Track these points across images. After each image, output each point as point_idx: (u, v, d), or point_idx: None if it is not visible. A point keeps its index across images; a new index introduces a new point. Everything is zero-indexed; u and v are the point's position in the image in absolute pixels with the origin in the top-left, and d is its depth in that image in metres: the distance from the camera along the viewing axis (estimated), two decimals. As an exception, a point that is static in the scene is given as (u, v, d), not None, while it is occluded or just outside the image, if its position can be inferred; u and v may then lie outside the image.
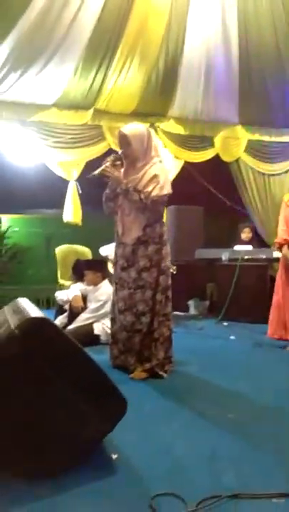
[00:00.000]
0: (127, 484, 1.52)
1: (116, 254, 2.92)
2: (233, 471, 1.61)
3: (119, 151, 2.86)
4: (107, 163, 2.78)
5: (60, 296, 4.14)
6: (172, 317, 2.87)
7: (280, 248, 3.66)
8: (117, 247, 2.91)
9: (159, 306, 2.75)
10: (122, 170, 2.87)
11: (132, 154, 2.78)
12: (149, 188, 2.68)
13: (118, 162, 2.83)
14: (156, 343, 2.74)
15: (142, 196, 2.69)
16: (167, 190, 2.73)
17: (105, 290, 3.83)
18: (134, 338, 2.77)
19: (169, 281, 2.83)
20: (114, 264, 2.94)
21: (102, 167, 2.77)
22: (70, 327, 3.71)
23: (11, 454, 1.48)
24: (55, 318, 4.06)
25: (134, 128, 2.81)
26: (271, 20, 4.91)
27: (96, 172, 2.78)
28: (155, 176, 2.70)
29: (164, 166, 2.84)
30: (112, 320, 2.96)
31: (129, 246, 2.79)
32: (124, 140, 2.77)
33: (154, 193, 2.67)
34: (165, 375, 2.73)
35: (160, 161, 2.81)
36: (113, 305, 2.94)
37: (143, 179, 2.73)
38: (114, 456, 1.69)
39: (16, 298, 2.11)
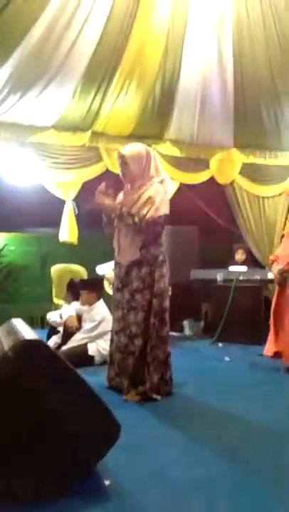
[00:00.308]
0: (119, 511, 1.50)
1: (114, 274, 2.94)
2: (230, 499, 1.59)
3: (119, 172, 2.90)
4: (100, 195, 2.82)
5: (53, 318, 4.12)
6: (169, 339, 2.84)
7: (272, 263, 3.86)
8: (115, 266, 2.94)
9: (152, 329, 2.71)
10: (121, 192, 2.91)
11: (129, 175, 2.82)
12: (144, 211, 2.69)
13: (110, 191, 2.87)
14: (149, 366, 2.71)
15: (136, 219, 2.70)
16: (163, 211, 2.72)
17: (100, 310, 3.83)
18: (127, 360, 2.76)
19: (165, 304, 2.78)
20: (112, 284, 2.95)
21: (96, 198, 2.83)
22: (64, 347, 3.69)
23: (4, 478, 1.46)
24: (48, 339, 4.02)
25: (132, 148, 2.85)
26: (265, 51, 5.08)
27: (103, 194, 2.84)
28: (150, 198, 2.72)
29: (163, 186, 2.81)
30: (111, 340, 2.95)
31: (123, 267, 2.81)
32: (122, 160, 2.81)
33: (148, 215, 2.68)
34: (159, 397, 2.69)
35: (161, 181, 2.80)
36: (112, 325, 2.95)
37: (138, 201, 2.76)
38: (107, 483, 1.66)
39: (11, 317, 2.11)
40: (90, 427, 1.58)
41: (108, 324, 3.79)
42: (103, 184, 2.87)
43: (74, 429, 1.55)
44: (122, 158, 2.80)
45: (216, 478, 1.74)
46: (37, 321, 5.61)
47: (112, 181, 2.93)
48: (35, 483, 1.48)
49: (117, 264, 2.89)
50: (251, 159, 6.29)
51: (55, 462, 1.53)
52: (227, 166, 6.21)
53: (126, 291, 2.78)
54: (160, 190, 2.76)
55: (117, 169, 5.66)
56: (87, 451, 1.59)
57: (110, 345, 2.95)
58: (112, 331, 2.94)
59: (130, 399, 2.68)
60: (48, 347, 1.66)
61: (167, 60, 5.12)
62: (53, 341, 3.94)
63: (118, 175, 2.95)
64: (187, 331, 5.44)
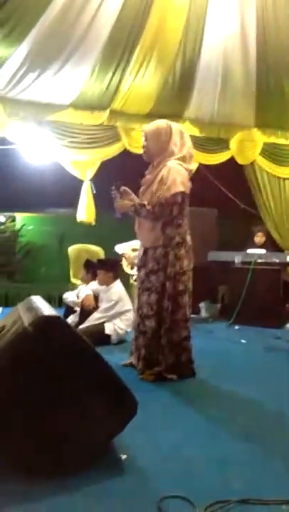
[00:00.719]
0: (135, 485, 1.52)
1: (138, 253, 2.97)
2: (243, 476, 1.60)
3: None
4: (117, 198, 2.82)
5: (70, 298, 4.16)
6: (186, 322, 2.77)
7: None
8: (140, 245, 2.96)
9: (165, 311, 2.68)
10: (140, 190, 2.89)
11: (147, 151, 2.79)
12: (158, 193, 2.67)
13: (122, 188, 2.86)
14: (163, 348, 2.70)
15: (148, 207, 2.68)
16: (176, 189, 2.62)
17: (117, 290, 3.84)
18: (139, 339, 2.79)
19: (180, 287, 2.71)
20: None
21: (116, 203, 2.83)
22: (81, 326, 3.73)
23: (23, 451, 1.50)
24: (65, 318, 4.07)
25: (152, 124, 2.82)
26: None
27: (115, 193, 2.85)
28: (161, 179, 2.68)
29: (182, 163, 2.71)
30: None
31: (142, 247, 2.82)
32: (143, 137, 2.79)
33: (160, 197, 2.65)
34: (175, 377, 2.70)
35: (180, 158, 2.71)
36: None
37: (153, 183, 2.73)
38: (124, 457, 1.69)
39: (29, 295, 2.13)
40: (107, 402, 1.60)
41: (125, 304, 3.83)
42: (116, 194, 2.84)
43: (91, 404, 1.57)
44: (144, 136, 2.79)
45: (231, 457, 1.75)
46: (54, 300, 5.68)
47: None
48: (53, 457, 1.51)
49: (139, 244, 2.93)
50: (273, 139, 6.12)
51: (72, 437, 1.55)
52: (248, 146, 6.06)
53: (142, 271, 2.80)
54: (173, 169, 2.67)
55: (134, 148, 5.66)
56: (103, 426, 1.62)
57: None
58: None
59: (145, 378, 2.70)
60: (66, 323, 1.68)
61: (188, 35, 4.96)
62: (70, 319, 3.98)
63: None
64: (203, 313, 5.43)
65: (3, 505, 1.38)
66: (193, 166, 2.83)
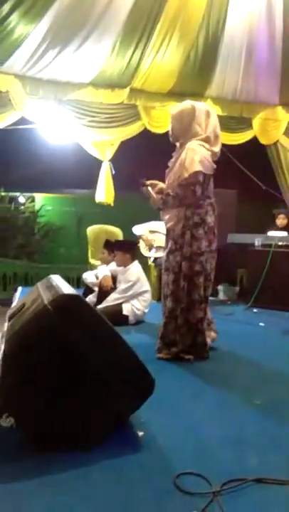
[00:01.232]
0: (152, 461, 1.55)
1: None
2: (259, 456, 1.60)
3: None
4: (151, 195, 2.83)
5: (90, 278, 4.20)
6: (202, 304, 2.76)
7: None
8: None
9: (181, 292, 2.68)
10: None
11: (171, 132, 2.79)
12: (179, 173, 2.66)
13: (148, 182, 2.87)
14: (180, 329, 2.71)
15: (172, 193, 2.68)
16: (194, 169, 2.58)
17: (135, 271, 3.85)
18: (170, 323, 2.77)
19: (196, 268, 2.67)
20: None
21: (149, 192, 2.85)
22: (99, 306, 3.77)
23: (44, 425, 1.54)
24: (84, 297, 4.11)
25: (177, 106, 2.81)
26: None
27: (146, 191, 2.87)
28: (181, 162, 2.66)
29: (203, 144, 2.66)
30: None
31: (165, 227, 2.84)
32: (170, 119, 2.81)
33: (183, 176, 2.62)
34: (191, 358, 2.70)
35: (203, 139, 2.66)
36: None
37: (174, 166, 2.72)
38: (141, 434, 1.72)
39: (48, 275, 2.15)
40: (125, 380, 1.62)
41: (142, 285, 3.84)
42: (147, 191, 2.85)
43: (109, 381, 1.59)
44: (170, 118, 2.80)
45: (248, 437, 1.76)
46: (73, 280, 5.75)
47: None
48: (73, 432, 1.55)
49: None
50: (298, 118, 5.93)
51: (91, 412, 1.58)
52: (271, 125, 5.89)
53: (165, 251, 2.82)
54: (191, 149, 2.63)
55: (154, 128, 5.57)
56: (121, 403, 1.64)
57: None
58: None
59: (162, 357, 2.72)
60: (85, 302, 1.69)
61: (212, 9, 4.79)
62: (89, 300, 4.02)
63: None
64: (221, 296, 5.41)
65: (22, 475, 1.42)
66: (217, 148, 2.75)
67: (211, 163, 2.70)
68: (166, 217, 2.79)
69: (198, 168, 2.59)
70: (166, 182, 2.82)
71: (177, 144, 2.83)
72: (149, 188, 2.85)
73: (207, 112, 2.76)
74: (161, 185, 2.86)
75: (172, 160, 2.82)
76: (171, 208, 2.73)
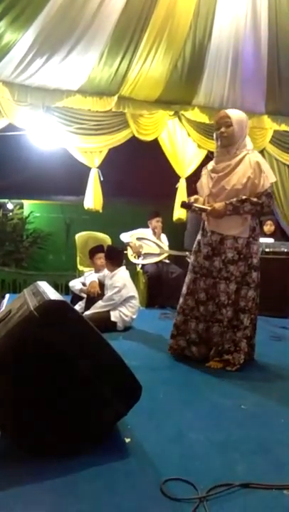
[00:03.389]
0: (138, 468, 1.54)
1: (203, 241, 2.81)
2: (245, 461, 1.61)
3: (215, 135, 2.78)
4: (204, 208, 2.74)
5: (77, 286, 4.18)
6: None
7: None
8: (203, 233, 2.83)
9: (251, 303, 2.73)
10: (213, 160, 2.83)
11: (230, 137, 2.67)
12: (258, 181, 2.62)
13: (192, 199, 2.83)
14: (240, 341, 2.72)
15: (254, 200, 2.62)
16: (273, 178, 2.70)
17: (121, 276, 3.84)
18: (212, 327, 2.76)
19: (259, 277, 2.79)
20: (196, 251, 2.84)
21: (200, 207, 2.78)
22: (86, 312, 3.75)
23: (30, 431, 1.52)
24: (72, 305, 4.09)
25: (238, 112, 2.78)
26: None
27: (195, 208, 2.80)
28: (258, 164, 2.63)
29: (260, 156, 2.74)
30: (182, 312, 2.86)
31: (216, 234, 2.73)
32: (224, 120, 2.68)
33: (266, 185, 2.63)
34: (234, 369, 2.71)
35: (254, 151, 2.74)
36: (196, 295, 2.84)
37: (235, 171, 2.66)
38: (128, 440, 1.71)
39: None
40: (111, 386, 1.61)
41: (129, 291, 3.82)
42: (196, 207, 2.78)
43: (96, 387, 1.58)
44: (227, 119, 2.67)
45: (235, 442, 1.76)
46: (62, 287, 5.72)
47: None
48: (58, 439, 1.54)
49: (207, 231, 2.78)
50: (283, 127, 6.03)
51: (77, 419, 1.57)
52: (257, 133, 5.98)
53: (217, 259, 2.72)
54: (263, 160, 2.71)
55: (142, 135, 5.61)
56: (108, 409, 1.63)
57: (183, 316, 2.85)
58: (185, 301, 2.84)
59: (213, 365, 2.73)
60: (72, 308, 1.68)
61: (199, 18, 4.86)
62: (78, 306, 4.01)
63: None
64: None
65: (8, 483, 1.40)
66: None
67: None
68: (224, 223, 2.69)
69: (275, 178, 2.75)
70: (213, 188, 2.73)
71: (222, 149, 2.74)
72: (196, 204, 2.78)
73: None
74: (201, 198, 2.84)
75: (225, 164, 2.69)
76: (242, 214, 2.66)
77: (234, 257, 2.68)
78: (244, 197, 2.62)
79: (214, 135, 2.79)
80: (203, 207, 2.75)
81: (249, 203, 2.62)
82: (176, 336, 2.90)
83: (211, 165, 2.85)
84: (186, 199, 2.87)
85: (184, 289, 2.88)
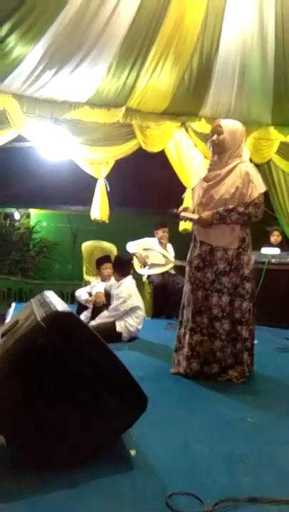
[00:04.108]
0: (144, 481, 1.53)
1: (194, 253, 2.79)
2: (252, 475, 1.59)
3: (208, 143, 2.82)
4: (192, 217, 2.75)
5: (83, 296, 4.19)
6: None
7: None
8: (194, 245, 2.83)
9: (248, 315, 2.70)
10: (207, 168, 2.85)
11: (221, 145, 2.70)
12: (246, 190, 2.63)
13: (182, 208, 2.87)
14: (242, 353, 2.70)
15: (240, 209, 2.62)
16: (263, 188, 2.68)
17: (126, 286, 3.84)
18: (206, 342, 2.71)
19: (252, 288, 2.76)
20: (190, 263, 2.81)
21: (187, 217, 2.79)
22: (92, 323, 3.76)
23: (35, 443, 1.52)
24: (77, 314, 4.10)
25: (230, 121, 2.82)
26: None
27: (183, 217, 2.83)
28: (247, 174, 2.64)
29: (252, 166, 2.74)
30: (191, 328, 2.75)
31: (203, 245, 2.74)
32: (217, 129, 2.72)
33: (254, 195, 2.63)
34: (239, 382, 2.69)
35: (246, 161, 2.74)
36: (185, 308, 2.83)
37: (225, 180, 2.67)
38: (133, 452, 1.71)
39: (42, 292, 2.15)
40: (117, 398, 1.61)
41: (134, 301, 3.81)
42: (184, 217, 2.80)
43: (102, 399, 1.58)
44: (219, 128, 2.71)
45: (241, 455, 1.74)
46: (67, 296, 5.74)
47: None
48: (64, 450, 1.53)
49: (198, 242, 2.77)
50: (290, 138, 6.05)
51: (82, 430, 1.57)
52: (264, 144, 6.00)
53: (209, 270, 2.70)
54: (254, 170, 2.71)
55: (149, 146, 5.66)
56: (113, 421, 1.63)
57: (183, 329, 2.81)
58: (193, 317, 2.75)
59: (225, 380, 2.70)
60: (79, 319, 1.69)
61: (206, 31, 4.90)
62: (84, 316, 4.02)
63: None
64: (216, 312, 5.41)
65: (12, 495, 1.40)
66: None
67: None
68: (213, 234, 2.70)
69: (264, 188, 2.70)
70: (203, 197, 2.75)
71: (214, 158, 2.77)
72: (184, 213, 2.80)
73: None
74: (190, 208, 2.87)
75: (216, 173, 2.72)
76: (229, 224, 2.66)
77: (225, 268, 2.67)
78: (231, 206, 2.63)
79: (208, 143, 2.83)
80: (191, 216, 2.76)
81: (236, 212, 2.63)
82: (178, 349, 2.87)
83: (204, 173, 2.88)
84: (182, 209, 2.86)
85: (183, 300, 2.87)
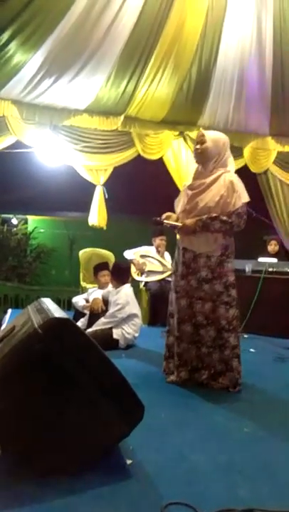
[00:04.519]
0: (140, 491, 1.52)
1: (178, 260, 2.81)
2: (248, 485, 1.58)
3: (193, 152, 2.85)
4: (175, 225, 2.78)
5: (80, 302, 4.18)
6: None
7: None
8: (178, 252, 2.84)
9: (235, 322, 2.69)
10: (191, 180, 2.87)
11: (205, 154, 2.72)
12: (230, 200, 2.63)
13: (164, 216, 2.86)
14: (231, 360, 2.69)
15: (224, 218, 2.63)
16: (246, 198, 2.69)
17: (124, 293, 3.84)
18: (192, 349, 2.71)
19: (236, 296, 2.73)
20: (176, 271, 2.84)
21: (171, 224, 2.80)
22: (88, 330, 3.74)
23: (32, 451, 1.51)
24: (74, 321, 4.08)
25: (215, 132, 2.85)
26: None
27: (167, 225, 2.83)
28: (231, 183, 2.65)
29: (236, 176, 2.74)
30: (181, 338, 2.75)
31: (187, 252, 2.75)
32: (200, 138, 2.75)
33: (238, 204, 2.63)
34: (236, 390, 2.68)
35: (230, 171, 2.75)
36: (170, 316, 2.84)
37: (209, 189, 2.68)
38: (129, 462, 1.69)
39: (39, 298, 2.15)
40: (113, 406, 1.60)
41: (131, 308, 3.81)
42: (168, 224, 2.82)
43: (98, 407, 1.57)
44: (202, 137, 2.74)
45: (238, 465, 1.73)
46: (64, 303, 5.72)
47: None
48: (60, 459, 1.52)
49: (181, 250, 2.79)
50: (287, 149, 6.10)
51: (78, 439, 1.56)
52: (261, 154, 6.06)
53: (192, 278, 2.70)
54: (238, 180, 2.72)
55: (147, 154, 5.70)
56: (110, 429, 1.62)
57: (172, 337, 2.81)
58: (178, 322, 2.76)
59: (217, 387, 2.68)
60: (76, 326, 1.68)
61: (205, 42, 4.99)
62: (81, 322, 4.00)
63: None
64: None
65: (8, 504, 1.38)
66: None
67: None
68: (196, 240, 2.71)
69: (248, 198, 2.69)
70: (187, 204, 2.76)
71: (199, 168, 2.80)
72: (166, 221, 2.81)
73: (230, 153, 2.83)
74: (174, 215, 2.87)
75: (200, 182, 2.74)
76: (213, 232, 2.67)
77: (208, 275, 2.67)
78: (214, 214, 2.65)
79: (194, 154, 2.86)
80: (175, 223, 2.78)
81: (219, 221, 2.64)
82: (168, 357, 2.88)
83: (188, 182, 2.90)
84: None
85: (170, 309, 2.87)
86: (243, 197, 2.67)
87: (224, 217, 2.65)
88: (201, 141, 2.75)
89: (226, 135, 6.13)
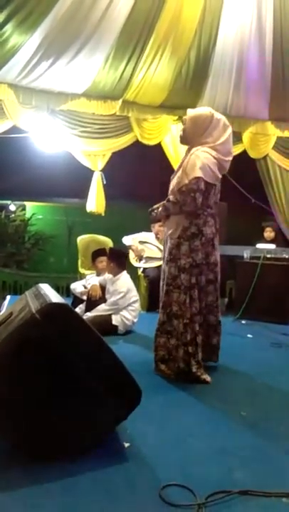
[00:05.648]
0: (137, 473, 1.54)
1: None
2: (244, 468, 1.60)
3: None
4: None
5: (78, 288, 4.18)
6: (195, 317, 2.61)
7: None
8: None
9: (183, 306, 2.55)
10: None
11: (183, 134, 2.68)
12: (183, 178, 2.55)
13: (155, 207, 2.83)
14: (178, 348, 2.59)
15: (172, 198, 2.59)
16: (193, 175, 2.46)
17: (124, 281, 3.85)
18: (160, 337, 2.70)
19: (192, 280, 2.55)
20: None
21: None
22: (88, 314, 3.75)
23: (29, 434, 1.52)
24: (73, 307, 4.09)
25: (195, 109, 2.73)
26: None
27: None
28: (183, 167, 2.58)
29: (209, 152, 2.53)
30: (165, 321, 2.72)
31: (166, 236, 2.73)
32: (183, 121, 2.70)
33: (184, 182, 2.52)
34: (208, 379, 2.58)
35: (211, 147, 2.55)
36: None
37: (178, 171, 2.63)
38: (127, 445, 1.71)
39: (37, 284, 2.14)
40: (111, 390, 1.61)
41: (132, 295, 3.83)
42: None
43: (96, 391, 1.58)
44: (185, 118, 2.69)
45: (234, 448, 1.76)
46: (63, 290, 5.73)
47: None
48: (58, 442, 1.54)
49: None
50: (287, 133, 6.04)
51: (76, 422, 1.57)
52: (261, 139, 5.99)
53: (164, 263, 2.70)
54: (196, 155, 2.52)
55: (145, 139, 5.64)
56: (107, 413, 1.63)
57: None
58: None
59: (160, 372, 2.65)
60: (73, 311, 1.69)
61: (204, 24, 4.89)
62: (79, 309, 4.01)
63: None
64: (210, 307, 5.42)
65: (8, 487, 1.40)
66: (226, 159, 2.62)
67: (215, 173, 2.55)
68: (167, 224, 2.70)
69: (198, 174, 2.46)
70: (170, 188, 2.71)
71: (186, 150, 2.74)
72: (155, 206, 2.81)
73: (224, 125, 2.63)
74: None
75: (178, 165, 2.73)
76: (173, 215, 2.63)
77: (167, 258, 2.63)
78: (170, 197, 2.63)
79: None
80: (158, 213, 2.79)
81: (171, 202, 2.60)
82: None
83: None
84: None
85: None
86: (190, 174, 2.48)
87: (172, 198, 2.59)
88: (184, 122, 2.70)
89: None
